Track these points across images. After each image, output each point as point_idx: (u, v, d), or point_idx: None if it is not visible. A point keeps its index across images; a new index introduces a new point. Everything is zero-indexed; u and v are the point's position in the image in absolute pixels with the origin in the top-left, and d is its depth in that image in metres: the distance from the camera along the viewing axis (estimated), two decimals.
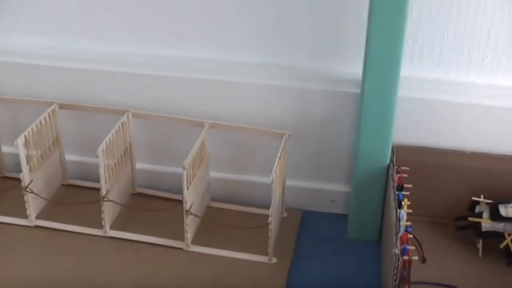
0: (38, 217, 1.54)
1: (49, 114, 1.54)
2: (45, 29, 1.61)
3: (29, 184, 1.48)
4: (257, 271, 1.41)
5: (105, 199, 1.45)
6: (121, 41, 1.58)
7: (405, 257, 1.19)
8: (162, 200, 1.61)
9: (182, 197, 1.39)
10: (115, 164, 1.49)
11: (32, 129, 1.48)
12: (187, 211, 1.40)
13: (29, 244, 1.48)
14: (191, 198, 1.41)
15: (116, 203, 1.51)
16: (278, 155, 1.38)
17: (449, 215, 1.47)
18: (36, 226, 1.52)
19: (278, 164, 1.36)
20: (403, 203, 1.31)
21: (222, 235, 1.50)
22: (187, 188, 1.38)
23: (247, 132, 1.50)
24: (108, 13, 1.55)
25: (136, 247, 1.47)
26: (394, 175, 1.38)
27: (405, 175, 1.40)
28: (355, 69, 1.46)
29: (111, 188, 1.48)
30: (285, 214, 1.57)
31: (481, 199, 1.42)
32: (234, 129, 1.50)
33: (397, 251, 1.18)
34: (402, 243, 1.21)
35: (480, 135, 1.45)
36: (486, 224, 1.38)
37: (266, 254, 1.43)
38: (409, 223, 1.28)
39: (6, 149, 1.69)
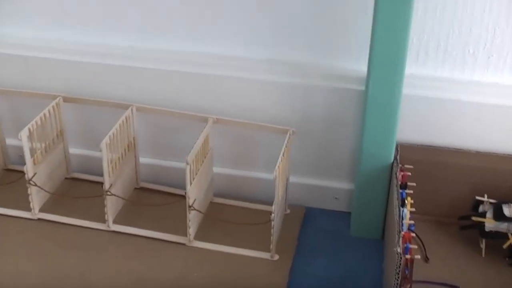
0: (41, 210, 1.54)
1: (53, 107, 1.54)
2: (50, 22, 1.61)
3: (32, 177, 1.48)
4: (259, 267, 1.41)
5: (108, 193, 1.45)
6: (126, 35, 1.58)
7: (407, 256, 1.19)
8: (165, 195, 1.61)
9: (185, 193, 1.39)
10: (119, 158, 1.49)
11: (36, 122, 1.48)
12: (190, 207, 1.40)
13: (32, 237, 1.48)
14: (194, 193, 1.41)
15: (119, 197, 1.51)
16: (282, 151, 1.38)
17: (452, 214, 1.46)
18: (39, 219, 1.53)
19: (281, 160, 1.36)
20: (406, 201, 1.31)
21: (224, 231, 1.50)
22: (190, 184, 1.38)
23: (250, 128, 1.50)
24: (113, 6, 1.54)
25: (139, 242, 1.47)
26: (397, 173, 1.38)
27: (409, 174, 1.39)
28: (360, 66, 1.46)
29: (115, 182, 1.48)
30: (288, 211, 1.57)
31: (485, 199, 1.41)
32: (238, 125, 1.50)
33: (399, 249, 1.18)
34: (404, 242, 1.21)
35: (485, 134, 1.44)
36: (490, 224, 1.38)
37: (269, 251, 1.43)
38: (412, 221, 1.27)
39: (10, 141, 1.69)
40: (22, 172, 1.51)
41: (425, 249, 1.40)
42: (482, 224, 1.39)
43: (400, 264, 1.18)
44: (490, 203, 1.41)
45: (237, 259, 1.43)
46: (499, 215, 1.37)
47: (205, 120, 1.48)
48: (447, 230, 1.47)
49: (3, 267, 1.40)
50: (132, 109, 1.52)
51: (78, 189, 1.63)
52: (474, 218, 1.41)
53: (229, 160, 1.61)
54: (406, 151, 1.44)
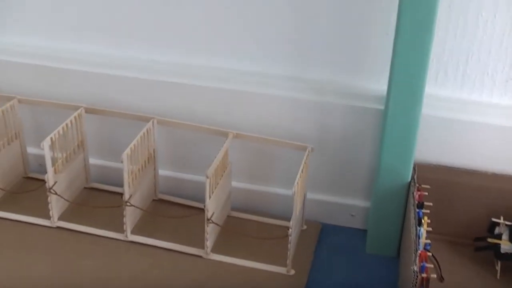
0: (60, 218, 1.56)
1: (75, 117, 1.56)
2: (74, 34, 1.63)
3: (53, 185, 1.50)
4: (275, 281, 1.42)
5: (128, 203, 1.47)
6: (149, 49, 1.60)
7: (424, 275, 1.20)
8: (183, 207, 1.63)
9: (204, 205, 1.40)
10: (139, 170, 1.51)
11: (58, 132, 1.50)
12: (208, 220, 1.42)
13: (50, 245, 1.50)
14: (212, 206, 1.43)
15: (138, 208, 1.53)
16: (301, 167, 1.39)
17: (468, 235, 1.47)
18: (58, 227, 1.54)
19: (300, 177, 1.37)
20: (422, 220, 1.32)
21: (241, 244, 1.51)
22: (210, 197, 1.40)
23: (270, 143, 1.51)
24: (137, 21, 1.57)
25: (156, 253, 1.48)
26: (414, 193, 1.39)
27: (426, 193, 1.41)
28: (379, 85, 1.48)
29: (134, 193, 1.49)
30: (304, 227, 1.58)
31: (501, 221, 1.42)
32: (257, 140, 1.51)
33: (415, 268, 1.19)
34: (420, 261, 1.22)
35: (502, 156, 1.45)
36: (505, 245, 1.39)
37: (285, 265, 1.43)
38: (428, 241, 1.29)
39: (30, 150, 1.71)
40: (42, 181, 1.54)
41: (440, 268, 1.41)
42: (497, 246, 1.40)
43: (416, 282, 1.19)
44: (506, 225, 1.41)
45: (253, 272, 1.44)
46: None
47: (225, 134, 1.50)
48: (463, 251, 1.47)
49: (21, 273, 1.41)
50: (153, 122, 1.54)
51: (96, 199, 1.65)
52: (489, 240, 1.42)
53: (247, 174, 1.63)
54: (424, 170, 1.45)
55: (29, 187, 1.66)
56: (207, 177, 1.37)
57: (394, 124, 1.36)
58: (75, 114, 1.56)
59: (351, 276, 1.46)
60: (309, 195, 1.56)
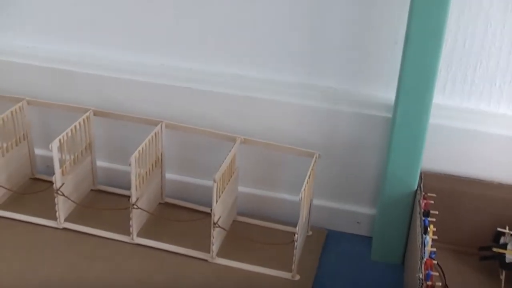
0: (67, 220, 1.56)
1: (84, 120, 1.57)
2: (85, 38, 1.64)
3: (60, 187, 1.51)
4: (280, 286, 1.42)
5: (135, 206, 1.47)
6: (159, 53, 1.61)
7: (429, 283, 1.20)
8: (189, 211, 1.63)
9: (211, 210, 1.41)
10: (146, 173, 1.52)
11: (67, 134, 1.51)
12: (214, 224, 1.42)
13: (57, 246, 1.50)
14: (219, 211, 1.43)
15: (144, 211, 1.53)
16: (308, 174, 1.40)
17: (473, 244, 1.47)
18: (64, 229, 1.55)
19: (307, 183, 1.38)
20: (428, 229, 1.33)
21: (247, 249, 1.51)
22: (216, 201, 1.40)
23: (277, 149, 1.52)
24: (149, 26, 1.58)
25: (162, 256, 1.49)
26: (420, 201, 1.39)
27: (432, 202, 1.41)
28: (387, 94, 1.48)
29: (141, 196, 1.50)
30: (310, 233, 1.58)
31: (506, 230, 1.42)
32: (265, 146, 1.52)
33: (421, 276, 1.20)
34: (426, 269, 1.23)
35: (508, 166, 1.45)
36: (510, 255, 1.39)
37: (290, 271, 1.44)
38: (433, 249, 1.29)
39: (37, 151, 1.72)
40: (49, 182, 1.55)
41: (445, 277, 1.41)
42: (502, 256, 1.40)
43: None
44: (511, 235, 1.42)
45: (258, 277, 1.44)
46: None
47: (233, 139, 1.51)
48: (467, 260, 1.47)
49: (27, 274, 1.42)
50: (161, 126, 1.55)
51: (103, 201, 1.66)
52: (494, 249, 1.42)
53: (254, 179, 1.63)
54: (430, 179, 1.46)
55: (36, 188, 1.66)
56: (215, 182, 1.37)
57: (401, 132, 1.37)
58: (84, 116, 1.57)
59: (356, 283, 1.47)
60: (315, 202, 1.56)
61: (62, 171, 1.51)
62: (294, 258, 1.41)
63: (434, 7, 1.24)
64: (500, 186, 1.45)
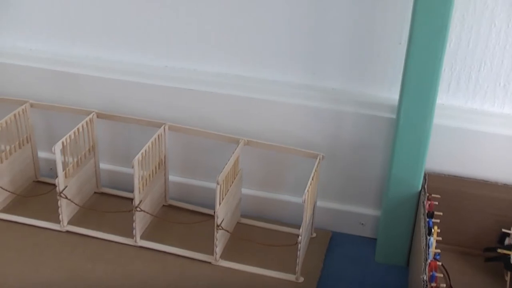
0: (70, 222, 1.56)
1: (86, 122, 1.56)
2: (88, 40, 1.64)
3: (63, 189, 1.50)
4: None
5: (138, 209, 1.47)
6: (162, 55, 1.61)
7: (433, 284, 1.19)
8: (192, 214, 1.63)
9: (214, 212, 1.41)
10: (149, 175, 1.51)
11: (70, 136, 1.51)
12: (218, 226, 1.42)
13: (60, 249, 1.50)
14: (222, 213, 1.43)
15: (148, 213, 1.53)
16: (311, 175, 1.39)
17: (477, 245, 1.46)
18: (68, 231, 1.54)
19: (310, 184, 1.37)
20: (433, 230, 1.32)
21: (250, 251, 1.51)
22: (220, 203, 1.40)
23: (281, 151, 1.51)
24: (150, 28, 1.58)
25: (165, 258, 1.48)
26: (425, 202, 1.39)
27: (436, 203, 1.40)
28: (391, 94, 1.48)
29: (144, 198, 1.50)
30: (314, 234, 1.58)
31: (511, 231, 1.41)
32: (268, 147, 1.51)
33: (425, 277, 1.19)
34: (430, 270, 1.22)
35: None
36: None
37: (294, 273, 1.43)
38: (438, 250, 1.28)
39: (40, 154, 1.72)
40: (52, 185, 1.54)
41: (449, 278, 1.40)
42: (507, 257, 1.39)
43: None
44: None
45: (262, 279, 1.44)
46: None
47: (236, 141, 1.50)
48: (472, 261, 1.47)
49: (30, 277, 1.41)
50: (164, 128, 1.54)
51: (106, 203, 1.65)
52: (499, 250, 1.41)
53: (257, 181, 1.63)
54: (434, 180, 1.45)
55: (39, 191, 1.66)
56: (218, 184, 1.37)
57: (405, 133, 1.36)
58: (87, 119, 1.57)
59: (360, 285, 1.46)
60: (319, 203, 1.56)
61: (65, 173, 1.51)
62: (298, 260, 1.41)
63: (438, 7, 1.23)
64: (505, 187, 1.45)
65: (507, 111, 1.46)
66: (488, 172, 1.46)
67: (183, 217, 1.62)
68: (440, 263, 1.26)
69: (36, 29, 1.67)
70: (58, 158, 1.47)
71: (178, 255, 1.49)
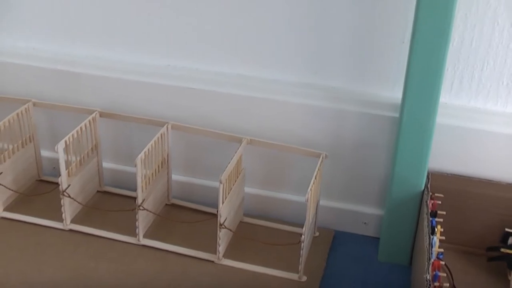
0: (73, 221, 1.56)
1: (89, 121, 1.57)
2: (91, 39, 1.64)
3: (66, 188, 1.51)
4: None
5: (141, 208, 1.47)
6: (164, 54, 1.60)
7: (436, 284, 1.19)
8: (195, 212, 1.63)
9: (217, 211, 1.41)
10: (152, 174, 1.51)
11: (73, 135, 1.51)
12: (221, 225, 1.42)
13: (63, 248, 1.50)
14: (225, 212, 1.43)
15: (150, 212, 1.53)
16: (314, 174, 1.39)
17: (481, 245, 1.46)
18: (70, 230, 1.55)
19: (313, 183, 1.37)
20: (436, 229, 1.32)
21: (253, 250, 1.51)
22: (223, 202, 1.40)
23: (284, 150, 1.51)
24: (151, 27, 1.58)
25: (168, 257, 1.48)
26: (428, 201, 1.38)
27: (439, 202, 1.40)
28: (394, 93, 1.48)
29: (147, 197, 1.50)
30: (317, 233, 1.58)
31: None
32: (271, 147, 1.51)
33: (428, 277, 1.19)
34: (433, 270, 1.22)
35: None
36: None
37: (297, 272, 1.43)
38: (441, 249, 1.28)
39: (43, 153, 1.72)
40: (55, 184, 1.55)
41: (452, 278, 1.40)
42: (510, 256, 1.39)
43: None
44: None
45: (265, 278, 1.44)
46: None
47: (239, 140, 1.50)
48: (475, 261, 1.47)
49: (33, 276, 1.42)
50: (167, 127, 1.54)
51: (109, 202, 1.66)
52: (502, 250, 1.41)
53: (260, 180, 1.63)
54: (437, 179, 1.45)
55: (42, 190, 1.67)
56: (221, 183, 1.37)
57: (408, 132, 1.36)
58: (90, 118, 1.57)
59: (363, 284, 1.46)
60: (322, 202, 1.56)
61: (68, 172, 1.51)
62: (300, 259, 1.41)
63: (441, 6, 1.23)
64: (509, 186, 1.44)
65: (510, 110, 1.45)
66: (491, 171, 1.46)
67: (186, 216, 1.62)
68: (443, 263, 1.25)
69: (38, 29, 1.67)
70: (61, 157, 1.47)
71: (181, 254, 1.49)
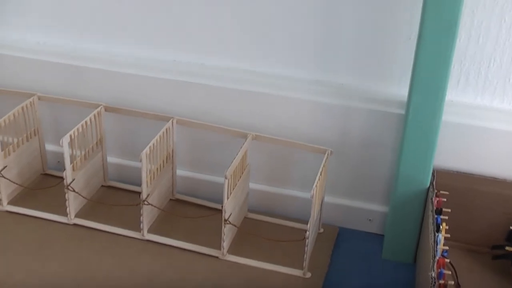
0: (77, 215, 1.56)
1: (94, 115, 1.56)
2: (96, 33, 1.64)
3: (71, 182, 1.51)
4: (291, 284, 1.41)
5: (145, 202, 1.47)
6: (170, 49, 1.60)
7: (441, 281, 1.19)
8: (200, 208, 1.63)
9: (222, 206, 1.40)
10: (157, 169, 1.51)
11: (77, 129, 1.51)
12: (225, 220, 1.42)
13: (67, 242, 1.50)
14: (230, 207, 1.43)
15: (155, 207, 1.53)
16: (320, 171, 1.39)
17: (485, 243, 1.46)
18: (75, 224, 1.55)
19: (318, 180, 1.37)
20: (441, 227, 1.31)
21: (258, 246, 1.50)
22: (227, 198, 1.40)
23: (289, 146, 1.51)
24: (158, 21, 1.57)
25: (172, 252, 1.48)
26: (433, 199, 1.38)
27: (444, 200, 1.40)
28: (400, 90, 1.47)
29: (152, 192, 1.50)
30: (321, 230, 1.57)
31: None
32: (277, 142, 1.51)
33: (433, 274, 1.19)
34: (438, 267, 1.22)
35: None
36: None
37: (301, 268, 1.43)
38: (446, 247, 1.28)
39: (48, 147, 1.72)
40: (60, 178, 1.55)
41: (457, 276, 1.40)
42: None
43: None
44: None
45: (269, 274, 1.44)
46: None
47: (244, 136, 1.50)
48: (480, 259, 1.46)
49: (37, 269, 1.42)
50: (172, 122, 1.54)
51: (114, 197, 1.66)
52: (507, 248, 1.41)
53: (265, 176, 1.63)
54: (443, 177, 1.44)
55: (47, 184, 1.67)
56: (226, 178, 1.37)
57: (414, 129, 1.36)
58: (95, 112, 1.57)
59: (367, 281, 1.46)
60: (327, 199, 1.56)
61: (73, 166, 1.51)
62: (305, 255, 1.41)
63: (448, 2, 1.22)
64: None
65: None
66: (497, 169, 1.45)
67: (190, 211, 1.62)
68: (448, 260, 1.25)
69: (43, 23, 1.67)
70: (66, 151, 1.47)
71: (185, 249, 1.49)
